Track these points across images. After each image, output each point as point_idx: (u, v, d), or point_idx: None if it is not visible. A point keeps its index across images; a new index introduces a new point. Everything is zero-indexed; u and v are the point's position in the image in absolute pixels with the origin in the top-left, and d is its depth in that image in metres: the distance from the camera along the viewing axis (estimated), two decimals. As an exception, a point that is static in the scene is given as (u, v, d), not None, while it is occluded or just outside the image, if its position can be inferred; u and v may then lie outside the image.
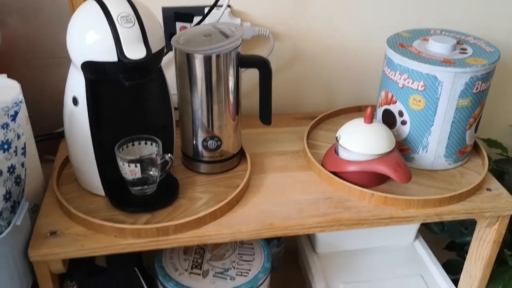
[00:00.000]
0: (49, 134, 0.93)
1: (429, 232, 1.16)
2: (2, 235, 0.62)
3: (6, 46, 0.88)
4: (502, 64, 1.08)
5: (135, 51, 0.63)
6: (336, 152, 0.84)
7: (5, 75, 0.76)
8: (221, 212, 0.75)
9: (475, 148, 0.92)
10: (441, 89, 0.79)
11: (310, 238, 1.08)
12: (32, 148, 0.77)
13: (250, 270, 0.85)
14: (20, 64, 0.92)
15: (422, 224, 1.11)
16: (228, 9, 0.93)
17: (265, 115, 0.85)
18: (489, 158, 0.90)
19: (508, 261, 0.96)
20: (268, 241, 1.12)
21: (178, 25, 0.93)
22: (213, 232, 0.73)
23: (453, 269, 1.07)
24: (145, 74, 0.67)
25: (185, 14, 0.93)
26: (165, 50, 0.72)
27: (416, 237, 1.10)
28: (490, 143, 1.13)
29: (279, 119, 1.01)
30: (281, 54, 1.01)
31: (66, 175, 0.83)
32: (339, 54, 1.04)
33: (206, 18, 0.91)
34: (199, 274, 0.84)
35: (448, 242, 1.19)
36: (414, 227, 1.07)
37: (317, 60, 1.04)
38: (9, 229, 0.63)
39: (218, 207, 0.74)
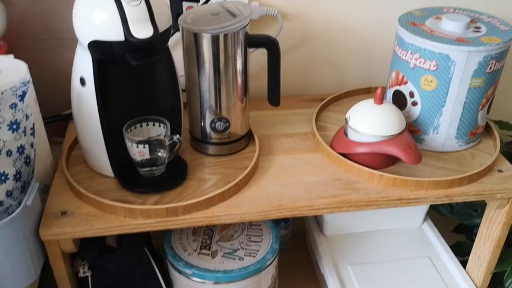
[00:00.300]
0: (57, 116, 0.93)
1: (438, 215, 1.16)
2: (13, 214, 0.62)
3: (13, 27, 0.88)
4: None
5: (142, 30, 0.63)
6: (345, 133, 0.83)
7: (12, 56, 0.76)
8: (229, 193, 0.75)
9: (487, 129, 0.91)
10: (453, 68, 0.77)
11: (318, 220, 1.08)
12: (40, 129, 0.77)
13: (258, 250, 0.85)
14: (27, 45, 0.92)
15: (430, 207, 1.11)
16: (236, -12, 0.91)
17: (274, 96, 0.84)
18: (501, 141, 0.89)
19: (517, 243, 0.96)
20: (276, 223, 1.12)
21: (185, 4, 0.92)
22: (222, 213, 0.73)
23: (462, 251, 1.07)
24: (152, 54, 0.66)
25: (192, -6, 0.91)
26: (172, 31, 0.71)
27: (425, 219, 1.10)
28: (502, 125, 1.11)
29: (287, 101, 1.01)
30: (289, 34, 1.00)
31: (75, 157, 0.83)
32: (348, 34, 1.03)
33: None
34: (208, 255, 0.84)
35: (456, 225, 1.19)
36: (423, 209, 1.07)
37: (326, 41, 1.03)
38: (20, 208, 0.63)
39: (227, 188, 0.74)
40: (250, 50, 0.80)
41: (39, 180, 0.78)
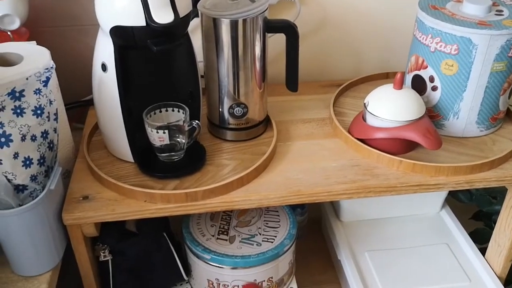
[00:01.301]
0: (78, 102, 0.94)
1: (456, 202, 1.15)
2: (38, 198, 0.63)
3: (35, 14, 0.89)
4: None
5: (163, 16, 0.63)
6: (364, 119, 0.83)
7: (34, 42, 0.76)
8: (248, 178, 0.75)
9: (508, 114, 0.90)
10: (475, 52, 0.76)
11: (335, 207, 1.08)
12: (62, 115, 0.78)
13: (276, 236, 0.86)
14: (48, 32, 0.93)
15: (449, 194, 1.10)
16: (254, -27, 0.91)
17: (292, 81, 0.84)
18: None
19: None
20: (294, 207, 1.12)
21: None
22: (241, 198, 0.73)
23: (480, 238, 1.06)
24: (173, 39, 0.67)
25: (210, -21, 0.91)
26: (192, 15, 0.71)
27: (443, 206, 1.09)
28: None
29: (305, 86, 1.00)
30: (307, 19, 0.99)
31: (95, 142, 0.84)
32: (366, 19, 1.02)
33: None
34: (226, 240, 0.85)
35: (475, 212, 1.18)
36: (441, 196, 1.06)
37: (344, 26, 1.02)
38: (44, 192, 0.64)
39: (245, 174, 0.74)
40: (268, 35, 0.79)
41: (61, 165, 0.79)
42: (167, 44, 0.65)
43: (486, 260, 0.96)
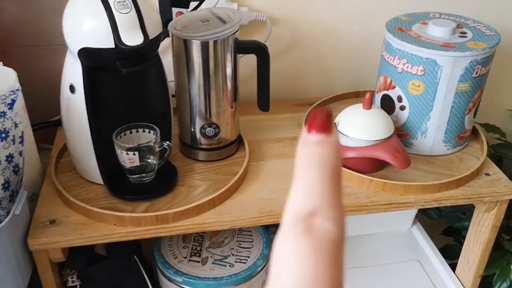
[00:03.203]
0: (46, 122, 0.92)
1: (426, 218, 1.16)
2: (2, 224, 0.62)
3: (3, 34, 0.87)
4: (501, 48, 1.08)
5: (132, 37, 0.62)
6: (335, 138, 0.83)
7: (0, 63, 0.75)
8: (220, 199, 0.75)
9: (474, 133, 0.92)
10: (440, 73, 0.78)
11: (309, 224, 1.08)
12: (29, 137, 0.77)
13: (249, 257, 0.85)
14: (17, 52, 0.91)
15: (419, 210, 1.11)
16: (225, -6, 0.92)
17: (263, 101, 0.84)
18: (487, 143, 0.90)
19: (504, 246, 0.97)
20: (267, 227, 1.12)
21: (175, 10, 0.92)
22: (213, 220, 0.73)
23: (451, 254, 1.08)
24: (143, 61, 0.66)
25: (181, 0, 0.91)
26: (162, 36, 0.71)
27: (414, 222, 1.11)
28: (489, 127, 1.12)
29: (277, 105, 1.01)
30: (279, 39, 1.00)
31: (64, 164, 0.83)
32: (337, 39, 1.03)
33: (203, 3, 0.90)
34: (198, 262, 0.84)
35: (445, 227, 1.20)
36: (412, 213, 1.08)
37: (316, 45, 1.03)
38: (8, 218, 0.62)
39: (217, 195, 0.74)
40: (239, 56, 0.80)
41: (28, 188, 0.77)
42: (137, 66, 0.65)
43: (456, 276, 0.97)
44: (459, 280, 0.96)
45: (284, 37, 1.01)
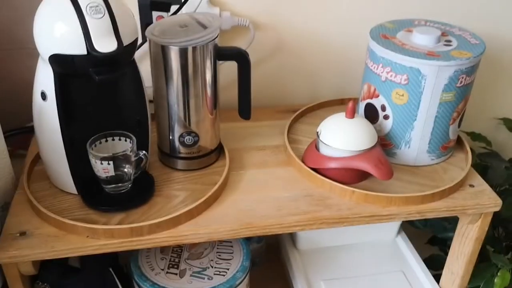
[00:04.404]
0: (20, 129, 0.89)
1: (412, 227, 1.15)
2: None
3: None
4: (487, 56, 1.07)
5: (105, 44, 0.60)
6: (317, 147, 0.82)
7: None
8: (197, 211, 0.73)
9: (459, 142, 0.91)
10: (424, 83, 0.77)
11: (292, 235, 1.07)
12: (0, 144, 0.74)
13: (228, 269, 0.83)
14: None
15: (406, 221, 1.10)
16: (207, -2, 0.90)
17: (245, 109, 0.82)
18: (473, 152, 0.89)
19: (491, 259, 0.95)
20: (249, 237, 1.10)
21: (155, 14, 0.90)
22: (189, 232, 0.70)
23: (435, 265, 1.06)
24: (117, 68, 0.64)
25: (161, 3, 0.89)
26: (139, 41, 0.69)
27: (398, 232, 1.09)
28: (474, 136, 1.12)
29: (260, 112, 0.99)
30: (262, 45, 0.99)
31: (38, 172, 0.80)
32: (321, 45, 1.02)
33: (184, 7, 0.87)
34: (176, 274, 0.81)
35: (430, 237, 1.19)
36: (397, 223, 1.06)
37: (300, 51, 1.02)
38: (-28, 231, 0.60)
39: (195, 206, 0.72)
40: (220, 62, 0.78)
41: (0, 198, 0.74)
42: (110, 74, 0.63)
43: (440, 287, 0.96)
44: (443, 292, 0.95)
45: (267, 43, 0.99)
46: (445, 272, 0.94)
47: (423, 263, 1.02)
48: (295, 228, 0.74)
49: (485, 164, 1.08)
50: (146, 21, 0.89)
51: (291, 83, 1.05)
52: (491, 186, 0.83)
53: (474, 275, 0.91)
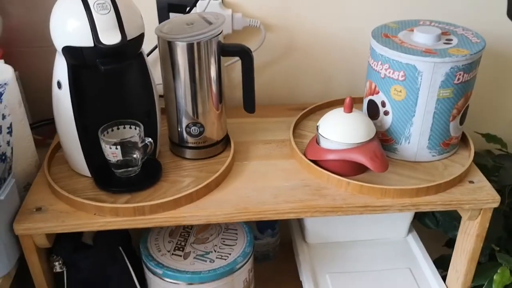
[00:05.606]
0: (47, 120, 0.98)
1: (425, 228, 1.15)
2: (-16, 207, 0.66)
3: (10, 35, 0.94)
4: (503, 58, 1.06)
5: (110, 37, 0.67)
6: (317, 141, 0.85)
7: (2, 61, 0.81)
8: (198, 195, 0.77)
9: (463, 140, 0.91)
10: (421, 79, 0.79)
11: (302, 229, 1.10)
12: (25, 131, 0.82)
13: (230, 254, 0.87)
14: (23, 52, 0.97)
15: (417, 220, 1.11)
16: (219, -1, 0.95)
17: (249, 103, 0.87)
18: (489, 153, 0.87)
19: (498, 258, 0.94)
20: (263, 230, 1.14)
21: (172, 16, 0.96)
22: (188, 214, 0.75)
23: (445, 265, 1.06)
24: (122, 60, 0.70)
25: (178, 5, 0.95)
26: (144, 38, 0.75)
27: (410, 231, 1.10)
28: (489, 138, 1.10)
29: (271, 109, 1.03)
30: (273, 45, 1.03)
31: (58, 157, 0.88)
32: (333, 45, 1.05)
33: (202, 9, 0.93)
34: (181, 256, 0.86)
35: (447, 239, 1.18)
36: (406, 221, 1.07)
37: (312, 51, 1.05)
38: (-8, 202, 0.67)
39: (195, 190, 0.77)
40: (228, 62, 0.82)
41: (22, 178, 0.82)
42: (115, 64, 0.69)
43: (446, 286, 0.96)
44: (448, 290, 0.95)
45: (278, 43, 1.03)
46: (450, 270, 0.94)
47: (431, 261, 1.02)
48: (289, 215, 0.77)
49: (499, 166, 1.07)
50: (163, 22, 0.96)
51: (302, 82, 1.09)
52: (503, 186, 0.82)
53: (478, 274, 0.91)
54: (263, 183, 0.82)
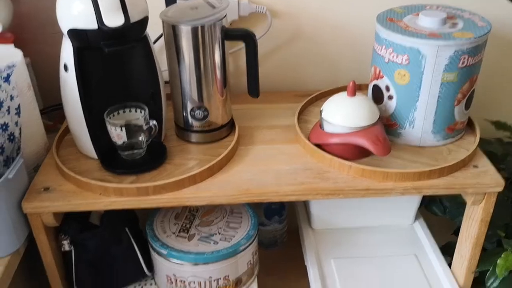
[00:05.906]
0: (57, 105, 1.00)
1: (432, 215, 1.14)
2: (-6, 185, 0.69)
3: (21, 22, 0.96)
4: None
5: (113, 19, 0.68)
6: (321, 125, 0.85)
7: (12, 45, 0.83)
8: (201, 177, 0.79)
9: (470, 125, 0.91)
10: (424, 62, 0.78)
11: (308, 215, 1.10)
12: (34, 113, 0.84)
13: (234, 236, 0.88)
14: (33, 38, 1.00)
15: (424, 207, 1.10)
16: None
17: (253, 87, 0.87)
18: (500, 141, 0.86)
19: (504, 245, 0.94)
20: (270, 217, 1.15)
21: (179, 2, 0.97)
22: (191, 195, 0.77)
23: (452, 251, 1.05)
24: (125, 42, 0.72)
25: (185, -9, 0.96)
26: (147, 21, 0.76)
27: (417, 218, 1.10)
28: (499, 125, 1.09)
29: (277, 96, 1.04)
30: (279, 31, 1.03)
31: (67, 140, 0.90)
32: (339, 31, 1.05)
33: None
34: (185, 238, 0.88)
35: (456, 228, 1.17)
36: (413, 207, 1.07)
37: (318, 38, 1.05)
38: (1, 180, 0.69)
39: (198, 172, 0.78)
40: (234, 48, 0.83)
41: (33, 160, 0.85)
42: (118, 46, 0.70)
43: (451, 271, 0.96)
44: (454, 276, 0.94)
45: (284, 29, 1.04)
46: (455, 256, 0.94)
47: (437, 248, 1.02)
48: (290, 197, 0.78)
49: (509, 153, 1.05)
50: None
51: (309, 69, 1.09)
52: (510, 173, 0.82)
53: (483, 260, 0.90)
54: (266, 166, 0.83)
